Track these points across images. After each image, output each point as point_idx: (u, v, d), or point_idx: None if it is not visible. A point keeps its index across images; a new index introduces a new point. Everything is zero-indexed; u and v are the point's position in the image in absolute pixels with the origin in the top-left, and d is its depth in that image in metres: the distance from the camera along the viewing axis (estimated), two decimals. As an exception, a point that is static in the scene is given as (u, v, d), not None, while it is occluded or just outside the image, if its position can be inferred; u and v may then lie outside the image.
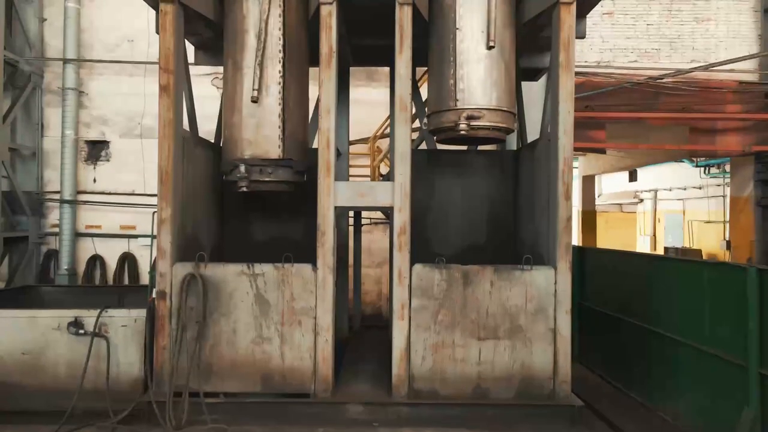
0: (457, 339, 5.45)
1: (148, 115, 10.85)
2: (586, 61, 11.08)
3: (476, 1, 5.87)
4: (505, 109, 6.00)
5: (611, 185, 29.74)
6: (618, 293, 7.01)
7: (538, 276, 5.46)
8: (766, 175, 11.02)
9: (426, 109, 7.27)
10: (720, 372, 4.87)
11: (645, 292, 6.27)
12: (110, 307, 5.90)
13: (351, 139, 8.67)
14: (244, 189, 5.80)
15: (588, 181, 20.80)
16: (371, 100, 10.83)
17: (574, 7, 5.48)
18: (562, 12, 5.46)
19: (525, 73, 7.64)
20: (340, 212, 6.55)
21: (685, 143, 10.99)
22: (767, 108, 10.83)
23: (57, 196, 10.80)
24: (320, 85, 5.55)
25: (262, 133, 5.86)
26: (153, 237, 9.17)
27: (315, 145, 5.98)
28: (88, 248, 10.96)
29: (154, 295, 5.57)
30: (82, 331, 5.74)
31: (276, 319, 5.47)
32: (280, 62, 5.88)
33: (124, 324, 5.80)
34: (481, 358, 5.45)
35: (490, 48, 5.83)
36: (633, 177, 26.19)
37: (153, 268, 5.89)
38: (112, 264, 10.91)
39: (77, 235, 10.87)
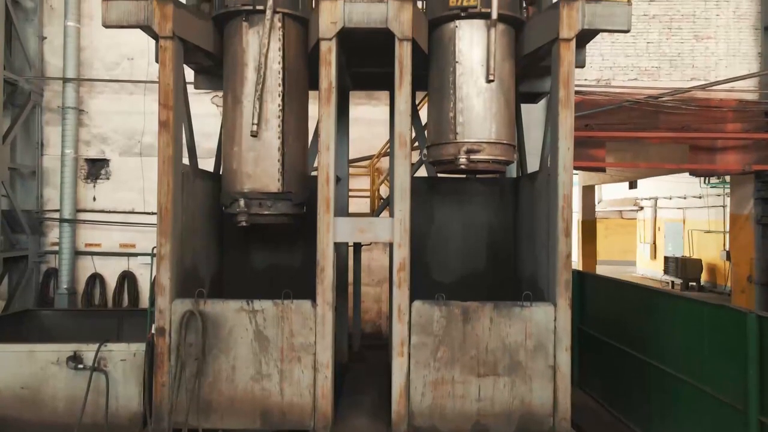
0: (456, 376, 5.44)
1: (148, 133, 10.87)
2: (586, 79, 11.08)
3: (476, 35, 5.89)
4: (504, 142, 6.01)
5: (611, 192, 29.77)
6: (618, 321, 7.00)
7: (537, 313, 5.45)
8: (765, 193, 11.01)
9: (425, 131, 7.28)
10: (719, 413, 4.87)
11: (645, 323, 6.26)
12: (109, 341, 5.89)
13: (351, 157, 8.67)
14: (244, 224, 5.79)
15: (588, 191, 20.81)
16: (371, 118, 10.84)
17: (573, 43, 5.48)
18: (561, 48, 5.46)
19: (525, 96, 7.64)
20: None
21: (685, 161, 10.98)
22: (767, 127, 10.82)
23: (57, 215, 10.81)
24: (319, 120, 5.54)
25: (261, 167, 5.85)
26: (152, 255, 9.17)
27: (314, 165, 5.96)
28: (87, 267, 10.96)
29: (153, 331, 5.55)
30: (81, 366, 5.75)
31: (275, 356, 5.46)
32: (279, 95, 5.87)
33: (123, 358, 5.80)
34: (481, 395, 5.44)
35: (489, 81, 5.83)
36: (633, 185, 26.21)
37: (152, 303, 5.88)
38: (111, 282, 10.92)
39: (77, 253, 10.87)
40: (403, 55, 5.49)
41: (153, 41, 5.83)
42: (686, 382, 5.40)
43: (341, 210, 7.56)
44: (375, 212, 8.54)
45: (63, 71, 10.65)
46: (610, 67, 11.22)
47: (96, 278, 10.86)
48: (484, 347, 5.46)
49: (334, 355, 5.55)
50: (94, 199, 11.02)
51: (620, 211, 30.01)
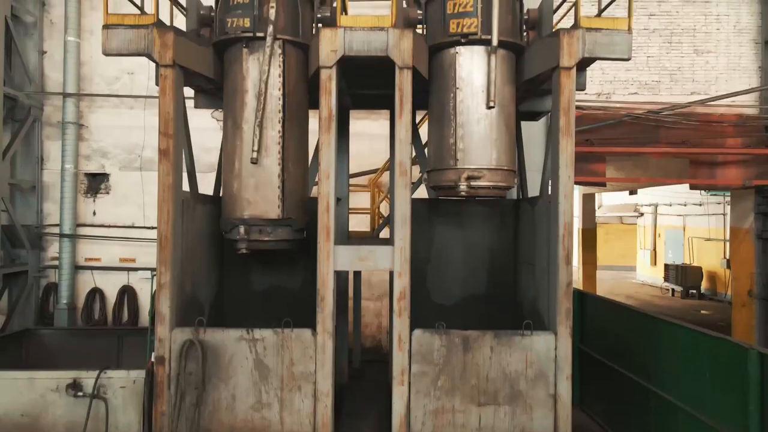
0: (457, 404, 5.43)
1: (148, 147, 10.86)
2: (586, 93, 11.04)
3: (476, 61, 5.88)
4: (505, 168, 6.00)
5: (611, 198, 29.75)
6: (618, 344, 6.99)
7: (538, 342, 5.44)
8: (766, 207, 11.00)
9: (425, 149, 7.26)
10: (720, 445, 4.86)
11: (645, 349, 6.25)
12: (109, 367, 5.89)
13: (351, 171, 8.65)
14: (244, 251, 5.78)
15: (588, 199, 20.80)
16: (372, 132, 10.81)
17: (573, 71, 5.47)
18: (562, 77, 5.45)
19: (525, 114, 7.63)
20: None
21: (685, 176, 10.97)
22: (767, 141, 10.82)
23: (56, 230, 10.80)
24: (320, 148, 5.53)
25: (261, 194, 5.85)
26: (152, 270, 9.13)
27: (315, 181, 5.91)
28: (87, 281, 10.95)
29: (152, 359, 5.54)
30: (80, 393, 5.73)
31: (275, 385, 5.45)
32: (279, 122, 5.87)
33: (122, 385, 5.79)
34: (482, 424, 5.43)
35: (490, 108, 5.83)
36: (633, 191, 26.19)
37: (152, 322, 5.87)
38: (111, 297, 10.90)
39: (77, 268, 10.86)
40: (404, 83, 5.49)
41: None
42: (686, 411, 5.39)
43: (341, 230, 7.55)
44: (375, 230, 8.52)
45: (63, 86, 10.64)
46: (610, 81, 11.22)
47: (96, 293, 10.85)
48: (485, 376, 5.45)
49: (334, 383, 5.54)
50: (94, 213, 11.00)
51: (620, 216, 30.01)
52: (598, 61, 10.62)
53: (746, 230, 11.49)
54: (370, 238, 8.23)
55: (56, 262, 10.79)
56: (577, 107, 9.28)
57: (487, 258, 7.33)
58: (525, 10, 6.31)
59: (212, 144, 10.05)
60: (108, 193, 11.03)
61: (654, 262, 25.80)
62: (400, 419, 5.42)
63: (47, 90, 10.96)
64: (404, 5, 6.59)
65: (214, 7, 6.25)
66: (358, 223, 10.54)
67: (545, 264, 5.77)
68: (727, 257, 18.72)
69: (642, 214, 27.46)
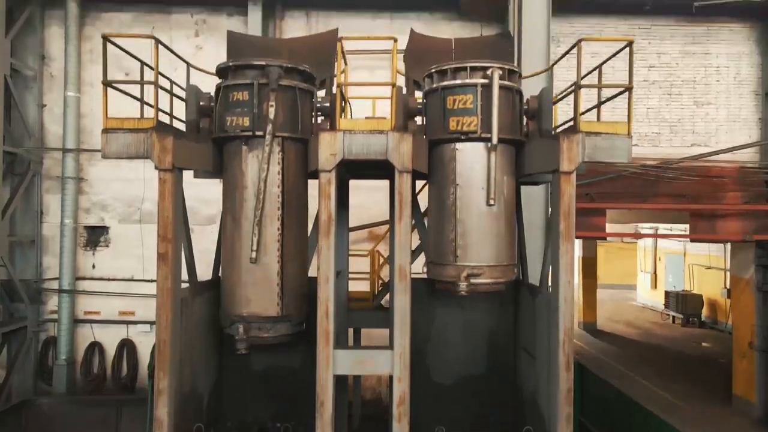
0: None
1: (148, 200, 10.86)
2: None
3: (476, 157, 5.87)
4: (505, 263, 5.98)
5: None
6: (614, 423, 6.98)
7: (538, 448, 5.42)
8: (766, 260, 10.98)
9: (425, 218, 7.22)
10: None
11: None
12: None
13: (351, 224, 8.57)
14: (243, 352, 5.76)
15: (588, 228, 20.71)
16: (371, 185, 10.76)
17: (573, 176, 5.46)
18: (562, 182, 5.44)
19: (525, 181, 7.56)
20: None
21: (685, 230, 10.97)
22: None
23: (56, 283, 10.78)
24: (319, 251, 5.51)
25: (260, 292, 5.83)
26: (152, 323, 9.01)
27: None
28: (86, 335, 10.93)
29: (151, 464, 5.52)
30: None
31: (274, 490, 5.44)
32: (279, 219, 5.85)
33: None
34: None
35: (489, 205, 5.81)
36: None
37: (151, 389, 5.84)
38: (110, 351, 10.88)
39: (76, 321, 10.85)
40: (403, 186, 5.48)
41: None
42: None
43: (341, 305, 7.52)
44: (375, 297, 8.49)
45: (63, 141, 10.65)
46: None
47: (95, 347, 10.83)
48: (485, 482, 5.43)
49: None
50: (93, 266, 10.99)
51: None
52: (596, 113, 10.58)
53: (747, 281, 11.47)
54: (369, 310, 8.21)
55: (55, 316, 10.77)
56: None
57: (486, 338, 7.31)
58: (525, 101, 6.31)
59: (210, 195, 10.06)
60: (107, 245, 11.02)
61: (654, 286, 25.76)
62: None
63: (47, 143, 10.96)
64: (404, 90, 6.61)
65: (213, 97, 6.25)
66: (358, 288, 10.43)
67: (545, 358, 5.75)
68: (728, 287, 18.70)
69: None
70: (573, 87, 5.82)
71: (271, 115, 5.66)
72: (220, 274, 6.34)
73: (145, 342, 10.81)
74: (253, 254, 5.68)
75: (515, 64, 7.24)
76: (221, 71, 6.08)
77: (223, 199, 6.15)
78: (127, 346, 10.85)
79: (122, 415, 8.21)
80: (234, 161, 5.95)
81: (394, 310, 5.53)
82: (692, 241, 11.28)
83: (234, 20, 11.04)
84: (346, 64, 6.57)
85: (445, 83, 5.92)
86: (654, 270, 26.07)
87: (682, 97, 11.23)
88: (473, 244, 5.88)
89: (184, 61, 6.62)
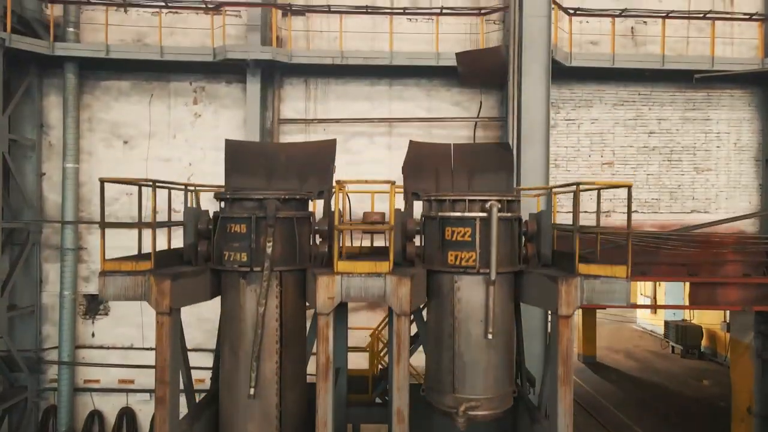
0: None
1: (147, 269, 10.83)
2: (585, 211, 11.05)
3: (474, 290, 5.85)
4: (503, 392, 5.99)
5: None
6: None
7: None
8: (765, 328, 11.00)
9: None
10: None
11: None
12: None
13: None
14: (243, 489, 5.78)
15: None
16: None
17: (572, 319, 5.45)
18: (560, 324, 5.43)
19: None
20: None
21: (686, 299, 10.99)
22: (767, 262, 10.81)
23: (55, 352, 10.80)
24: (317, 395, 5.52)
25: (258, 425, 5.84)
26: (151, 392, 9.02)
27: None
28: (86, 403, 10.97)
29: None
30: None
31: None
32: (277, 353, 5.85)
33: None
34: None
35: (488, 337, 5.80)
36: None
37: None
38: (111, 419, 10.93)
39: (76, 390, 10.89)
40: (401, 329, 5.47)
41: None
42: None
43: (340, 400, 7.53)
44: (373, 394, 8.51)
45: (61, 212, 10.65)
46: (610, 199, 11.20)
47: (95, 416, 10.87)
48: None
49: None
50: (93, 335, 11.02)
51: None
52: (595, 179, 10.68)
53: (746, 345, 11.49)
54: (368, 405, 8.23)
55: (55, 385, 10.81)
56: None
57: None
58: (523, 224, 6.28)
59: (212, 315, 9.98)
60: (107, 314, 11.04)
61: (654, 311, 25.79)
62: None
63: (46, 211, 10.97)
64: (402, 208, 6.58)
65: (211, 219, 6.23)
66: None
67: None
68: (727, 321, 18.72)
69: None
70: (572, 229, 5.76)
71: (269, 251, 5.65)
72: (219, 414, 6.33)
73: (145, 410, 10.86)
74: (252, 390, 5.66)
75: (514, 167, 7.21)
76: (220, 198, 6.06)
77: (220, 326, 6.15)
78: (126, 415, 10.89)
79: None
80: (231, 293, 5.93)
81: (392, 452, 5.54)
82: (692, 309, 11.27)
83: (233, 87, 11.01)
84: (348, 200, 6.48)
85: (444, 214, 5.90)
86: (654, 295, 26.10)
87: (682, 163, 11.21)
88: (472, 376, 5.88)
89: (183, 186, 6.57)
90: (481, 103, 11.03)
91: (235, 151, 7.08)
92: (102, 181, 5.69)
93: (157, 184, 5.87)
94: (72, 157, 10.57)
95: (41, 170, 10.93)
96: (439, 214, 5.95)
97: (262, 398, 5.81)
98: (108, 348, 10.99)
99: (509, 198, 5.97)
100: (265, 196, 5.82)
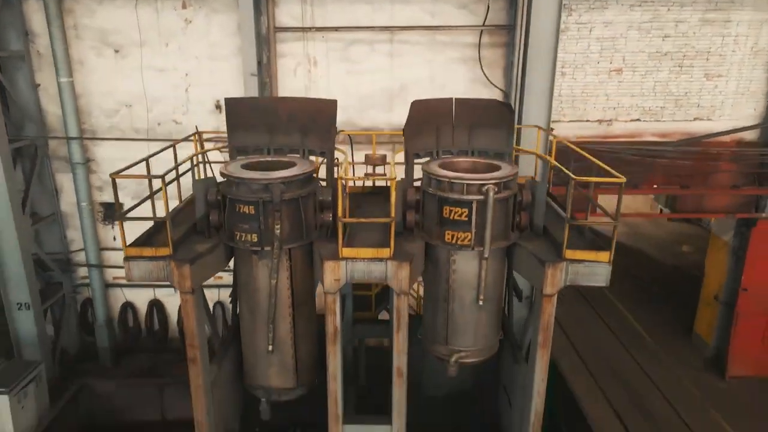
0: None
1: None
2: (588, 120, 11.05)
3: (469, 264, 6.37)
4: (491, 343, 6.84)
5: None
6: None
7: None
8: (745, 230, 11.63)
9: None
10: None
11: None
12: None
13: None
14: (266, 418, 6.93)
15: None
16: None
17: (555, 297, 6.04)
18: (544, 302, 6.04)
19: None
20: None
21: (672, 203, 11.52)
22: (760, 169, 11.09)
23: (82, 254, 11.67)
24: (327, 356, 6.35)
25: (277, 371, 6.82)
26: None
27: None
28: (118, 296, 12.15)
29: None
30: None
31: None
32: (290, 315, 6.59)
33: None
34: None
35: (479, 303, 6.47)
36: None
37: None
38: (142, 309, 12.19)
39: (107, 286, 11.98)
40: (401, 306, 6.13)
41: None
42: None
43: (347, 323, 8.50)
44: (375, 307, 9.45)
45: (64, 127, 10.67)
46: (613, 107, 11.07)
47: (127, 307, 12.11)
48: None
49: None
50: (114, 239, 11.77)
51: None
52: (603, 88, 10.89)
53: (724, 242, 12.24)
54: (372, 322, 9.22)
55: (87, 281, 11.86)
56: (577, 143, 9.65)
57: (472, 378, 8.41)
58: (519, 195, 6.51)
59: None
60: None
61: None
62: None
63: (49, 125, 10.98)
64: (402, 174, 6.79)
65: (219, 190, 6.49)
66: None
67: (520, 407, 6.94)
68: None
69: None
70: (565, 220, 6.03)
71: (278, 233, 6.05)
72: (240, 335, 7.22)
73: (171, 301, 12.07)
74: (270, 347, 6.51)
75: (515, 125, 7.20)
76: (225, 176, 6.28)
77: (236, 287, 6.78)
78: (156, 306, 12.13)
79: (164, 394, 9.62)
80: (245, 267, 6.47)
81: (392, 400, 6.55)
82: (672, 213, 11.79)
83: (223, -10, 10.25)
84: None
85: (442, 194, 6.16)
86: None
87: (693, 69, 10.84)
88: (463, 333, 6.68)
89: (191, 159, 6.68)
90: (488, 6, 10.33)
91: (235, 109, 7.06)
92: (113, 177, 5.89)
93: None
94: (64, 70, 10.26)
95: (35, 81, 10.69)
96: (438, 193, 6.19)
97: (279, 352, 6.68)
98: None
99: (507, 179, 6.17)
100: (270, 180, 6.02)
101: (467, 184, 6.04)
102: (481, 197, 6.00)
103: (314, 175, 6.63)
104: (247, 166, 6.56)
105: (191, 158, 7.07)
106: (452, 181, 6.11)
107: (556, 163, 6.72)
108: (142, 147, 11.11)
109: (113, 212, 11.63)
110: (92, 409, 9.40)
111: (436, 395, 8.62)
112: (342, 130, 8.07)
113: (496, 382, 8.41)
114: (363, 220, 6.45)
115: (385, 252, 5.98)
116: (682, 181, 11.18)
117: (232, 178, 6.17)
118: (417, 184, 6.79)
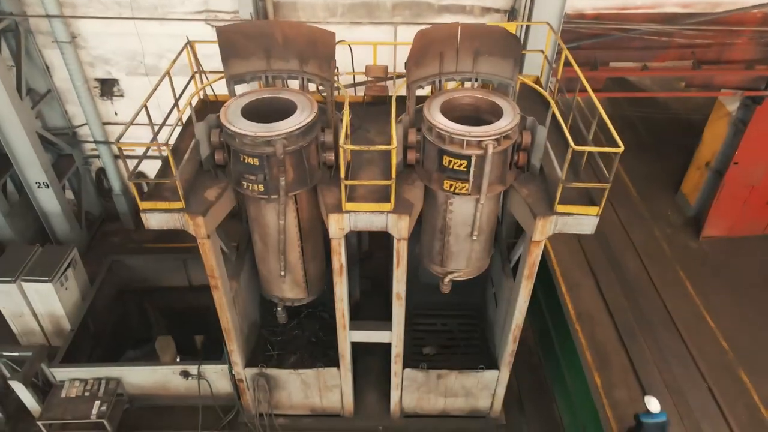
0: (431, 397, 8.69)
1: (149, 54, 10.87)
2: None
3: (465, 206, 6.73)
4: (481, 263, 7.56)
5: None
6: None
7: (487, 374, 8.28)
8: (750, 104, 11.47)
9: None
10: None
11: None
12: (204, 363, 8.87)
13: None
14: (283, 321, 8.02)
15: None
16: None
17: (543, 242, 6.55)
18: (532, 246, 6.57)
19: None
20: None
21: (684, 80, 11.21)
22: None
23: (86, 128, 11.80)
24: (335, 285, 7.12)
25: (290, 286, 7.66)
26: None
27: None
28: (130, 163, 12.52)
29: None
30: (189, 377, 8.92)
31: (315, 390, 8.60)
32: (299, 246, 7.18)
33: (215, 371, 8.90)
34: (446, 404, 8.80)
35: (473, 238, 7.01)
36: None
37: None
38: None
39: (116, 157, 12.34)
40: (401, 249, 6.69)
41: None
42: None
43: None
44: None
45: (42, 4, 9.94)
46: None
47: (141, 174, 12.60)
48: (451, 387, 8.50)
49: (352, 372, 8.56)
50: (116, 113, 11.75)
51: None
52: None
53: (727, 111, 12.17)
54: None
55: (96, 152, 12.21)
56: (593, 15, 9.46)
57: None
58: (519, 137, 6.54)
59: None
60: (123, 96, 11.50)
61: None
62: (396, 401, 8.75)
63: (25, 1, 10.19)
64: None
65: (221, 132, 6.56)
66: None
67: (503, 318, 8.02)
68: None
69: None
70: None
71: (282, 184, 6.32)
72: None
73: (180, 170, 12.54)
74: (282, 273, 7.27)
75: (521, 51, 6.84)
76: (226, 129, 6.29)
77: (249, 220, 7.24)
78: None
79: (188, 265, 10.58)
80: (254, 208, 6.85)
81: (393, 317, 7.49)
82: (685, 86, 11.47)
83: None
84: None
85: (441, 146, 6.24)
86: None
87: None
88: (457, 259, 7.33)
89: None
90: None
91: (228, 38, 6.68)
92: (120, 147, 5.96)
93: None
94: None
95: (-1, -51, 9.63)
96: (438, 144, 6.27)
97: (290, 273, 7.44)
98: (135, 124, 11.83)
99: (507, 132, 6.18)
100: (272, 137, 6.06)
101: (467, 140, 6.09)
102: (481, 152, 6.11)
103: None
104: (246, 110, 6.49)
105: (189, 102, 6.88)
106: (452, 135, 6.13)
107: (560, 119, 6.60)
108: (128, 24, 10.51)
109: (110, 88, 11.44)
110: (126, 279, 10.58)
111: (431, 282, 9.61)
112: (342, 41, 7.65)
113: (484, 276, 9.36)
114: (364, 182, 6.53)
115: (386, 206, 6.30)
116: (697, 57, 10.73)
117: (232, 132, 6.19)
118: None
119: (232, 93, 6.94)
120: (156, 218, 6.43)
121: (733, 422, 9.35)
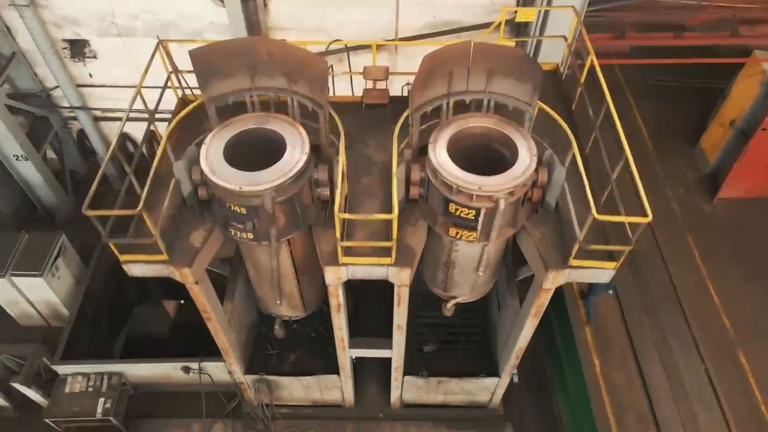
0: (432, 393, 8.79)
1: (119, 15, 9.70)
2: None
3: (470, 251, 6.26)
4: (485, 289, 7.23)
5: None
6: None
7: (487, 381, 8.29)
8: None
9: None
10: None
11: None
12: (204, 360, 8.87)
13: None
14: (281, 337, 7.85)
15: None
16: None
17: (551, 291, 6.16)
18: (541, 293, 6.19)
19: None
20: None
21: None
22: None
23: (59, 91, 10.87)
24: (332, 318, 6.84)
25: (287, 307, 7.39)
26: (168, 120, 10.54)
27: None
28: (112, 128, 11.77)
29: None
30: (189, 372, 8.99)
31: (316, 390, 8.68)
32: (294, 278, 6.82)
33: (216, 367, 8.94)
34: (447, 399, 8.93)
35: (479, 274, 6.61)
36: None
37: None
38: (139, 136, 11.94)
39: (96, 119, 11.50)
40: (402, 295, 6.32)
41: None
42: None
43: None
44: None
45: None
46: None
47: (125, 137, 11.84)
48: (451, 389, 8.56)
49: (352, 375, 8.61)
50: (91, 75, 10.72)
51: None
52: None
53: (762, 70, 11.08)
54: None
55: (74, 114, 11.36)
56: None
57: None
58: (534, 175, 5.89)
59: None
60: (96, 57, 10.42)
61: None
62: (397, 396, 8.87)
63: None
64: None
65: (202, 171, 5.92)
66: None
67: (506, 334, 7.86)
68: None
69: None
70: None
71: (274, 232, 5.81)
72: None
73: (163, 128, 11.76)
74: (278, 302, 6.97)
75: (541, 76, 5.88)
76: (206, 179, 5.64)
77: (242, 253, 6.78)
78: (153, 135, 11.83)
79: None
80: (244, 247, 6.39)
81: (393, 342, 7.29)
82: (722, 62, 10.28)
83: None
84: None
85: (448, 196, 5.63)
86: None
87: None
88: (460, 286, 6.98)
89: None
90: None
91: (203, 60, 5.80)
92: (90, 215, 5.31)
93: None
94: None
95: None
96: (444, 193, 5.65)
97: (287, 299, 7.15)
98: (110, 86, 10.89)
99: (521, 183, 5.53)
100: (258, 192, 5.43)
101: (476, 195, 5.47)
102: (491, 205, 5.52)
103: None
104: (230, 146, 5.79)
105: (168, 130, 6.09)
106: (459, 188, 5.49)
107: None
108: None
109: (81, 49, 10.32)
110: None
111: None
112: (337, 39, 6.67)
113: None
114: (360, 217, 5.95)
115: (386, 260, 5.82)
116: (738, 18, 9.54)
117: (214, 183, 5.54)
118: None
119: (213, 119, 6.16)
120: (139, 268, 5.99)
121: (725, 405, 9.53)
